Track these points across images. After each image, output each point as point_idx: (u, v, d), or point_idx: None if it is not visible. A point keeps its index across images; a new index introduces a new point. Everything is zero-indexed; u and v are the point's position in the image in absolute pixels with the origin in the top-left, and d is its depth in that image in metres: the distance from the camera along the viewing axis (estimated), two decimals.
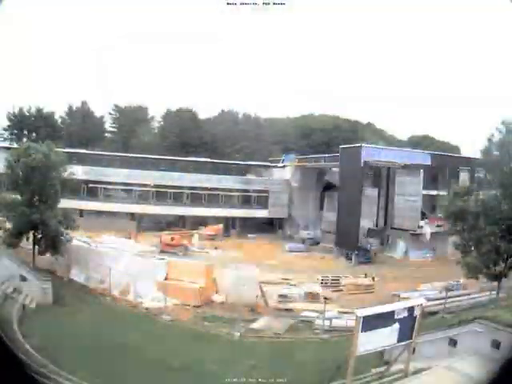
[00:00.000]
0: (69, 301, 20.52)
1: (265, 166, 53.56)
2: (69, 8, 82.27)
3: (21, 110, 60.18)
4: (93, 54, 70.58)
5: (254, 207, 48.38)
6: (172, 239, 34.46)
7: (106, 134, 71.47)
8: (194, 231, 41.22)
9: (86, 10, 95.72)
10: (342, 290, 27.23)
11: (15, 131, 59.34)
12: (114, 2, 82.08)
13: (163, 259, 25.78)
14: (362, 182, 39.72)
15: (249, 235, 45.37)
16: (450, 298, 22.49)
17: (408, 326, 10.41)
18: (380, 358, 12.98)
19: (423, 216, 39.30)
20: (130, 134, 65.54)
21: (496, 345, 11.30)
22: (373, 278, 29.42)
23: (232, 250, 36.98)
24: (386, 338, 10.11)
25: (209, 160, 51.02)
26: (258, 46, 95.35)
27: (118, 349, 15.17)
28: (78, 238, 27.03)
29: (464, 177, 40.22)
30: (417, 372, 11.28)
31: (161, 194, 45.92)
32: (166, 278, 23.79)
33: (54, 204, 22.72)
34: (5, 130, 61.29)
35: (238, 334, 19.19)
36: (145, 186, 45.13)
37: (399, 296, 22.64)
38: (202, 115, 70.02)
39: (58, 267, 24.69)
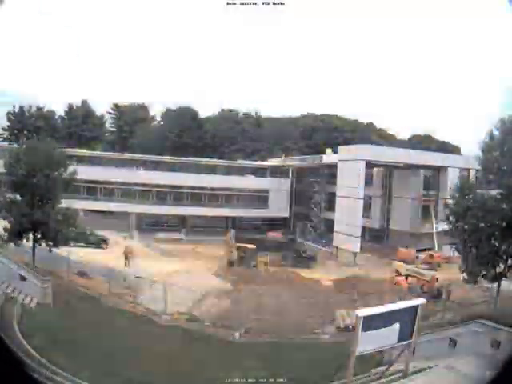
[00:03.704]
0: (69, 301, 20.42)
1: (265, 165, 53.49)
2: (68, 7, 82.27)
3: (21, 109, 60.10)
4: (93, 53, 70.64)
5: (255, 207, 48.29)
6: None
7: (106, 134, 71.42)
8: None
9: (86, 11, 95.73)
10: None
11: (15, 131, 59.22)
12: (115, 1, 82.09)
13: None
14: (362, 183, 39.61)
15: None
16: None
17: (408, 326, 10.37)
18: (380, 358, 12.96)
19: None
20: (129, 134, 65.46)
21: (496, 345, 11.29)
22: None
23: None
24: (385, 338, 10.07)
25: (209, 160, 50.97)
26: (259, 45, 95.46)
27: (118, 348, 15.13)
28: None
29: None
30: (417, 372, 11.26)
31: (161, 194, 45.90)
32: None
33: (55, 204, 22.51)
34: (4, 130, 61.22)
35: (238, 334, 19.19)
36: (145, 185, 45.08)
37: None
38: (203, 114, 70.14)
39: None
